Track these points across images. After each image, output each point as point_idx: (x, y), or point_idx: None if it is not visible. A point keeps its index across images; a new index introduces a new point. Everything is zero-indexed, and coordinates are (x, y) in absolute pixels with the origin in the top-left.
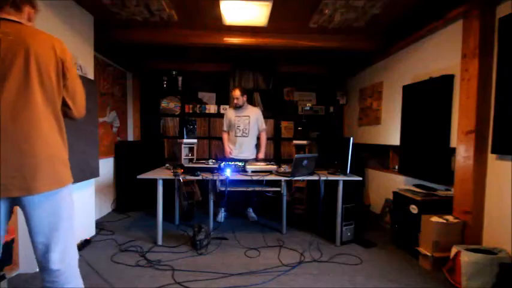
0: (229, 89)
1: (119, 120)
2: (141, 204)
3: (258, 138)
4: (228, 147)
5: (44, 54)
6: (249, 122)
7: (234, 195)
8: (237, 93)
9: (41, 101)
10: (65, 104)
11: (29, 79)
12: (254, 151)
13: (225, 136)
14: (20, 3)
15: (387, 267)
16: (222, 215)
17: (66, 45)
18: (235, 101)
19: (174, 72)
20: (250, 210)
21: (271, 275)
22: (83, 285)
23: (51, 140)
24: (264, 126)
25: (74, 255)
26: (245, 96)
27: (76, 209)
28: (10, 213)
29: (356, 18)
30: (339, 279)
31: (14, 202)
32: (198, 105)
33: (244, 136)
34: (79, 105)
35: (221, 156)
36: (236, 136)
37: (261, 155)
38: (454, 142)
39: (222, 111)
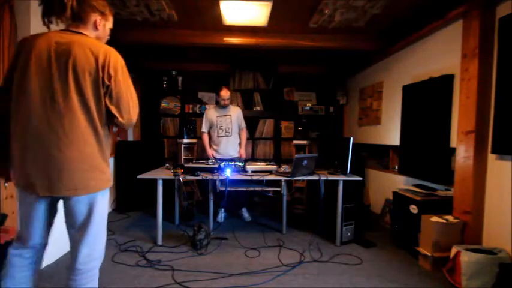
0: (230, 89)
1: None
2: (141, 204)
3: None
4: (209, 149)
5: (83, 61)
6: (230, 121)
7: (233, 195)
8: (228, 93)
9: (77, 107)
10: (109, 111)
11: (67, 86)
12: (237, 150)
13: (205, 137)
14: (82, 13)
15: (387, 267)
16: (222, 215)
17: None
18: (226, 102)
19: (174, 72)
20: (244, 210)
21: (271, 275)
22: (97, 286)
23: (83, 147)
24: (244, 124)
25: (99, 258)
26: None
27: None
28: (53, 209)
29: (356, 18)
30: (339, 279)
31: (54, 199)
32: (198, 105)
33: (227, 135)
34: (125, 112)
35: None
36: (219, 136)
37: (242, 151)
38: (454, 142)
39: None
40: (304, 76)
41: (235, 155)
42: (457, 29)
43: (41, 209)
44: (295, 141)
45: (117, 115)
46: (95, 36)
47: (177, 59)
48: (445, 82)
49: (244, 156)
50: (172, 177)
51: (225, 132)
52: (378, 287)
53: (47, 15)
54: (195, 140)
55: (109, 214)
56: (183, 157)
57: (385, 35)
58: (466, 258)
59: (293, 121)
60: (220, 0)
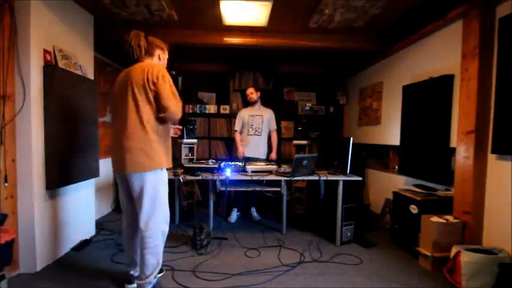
0: (229, 89)
1: None
2: None
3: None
4: (241, 147)
5: (136, 77)
6: (262, 121)
7: (241, 194)
8: (250, 89)
9: (132, 110)
10: (162, 108)
11: (126, 96)
12: (265, 151)
13: (238, 135)
14: (151, 51)
15: (387, 267)
16: (235, 216)
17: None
18: (249, 96)
19: (174, 72)
20: (253, 209)
21: (271, 275)
22: (161, 249)
23: (135, 137)
24: (275, 126)
25: (157, 223)
26: (259, 92)
27: (76, 209)
28: (128, 186)
29: (356, 18)
30: (339, 279)
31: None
32: (198, 105)
33: (257, 135)
34: (172, 109)
35: (227, 157)
36: (249, 135)
37: (274, 155)
38: (454, 142)
39: (222, 111)
40: (304, 76)
41: (262, 156)
42: (457, 29)
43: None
44: (295, 141)
45: (165, 111)
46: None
47: (177, 59)
48: (445, 82)
49: (275, 158)
50: (172, 177)
51: (255, 132)
52: (377, 287)
53: (132, 56)
54: (195, 140)
55: (109, 214)
56: (183, 157)
57: (385, 35)
58: (466, 258)
59: (293, 121)
60: (220, 0)
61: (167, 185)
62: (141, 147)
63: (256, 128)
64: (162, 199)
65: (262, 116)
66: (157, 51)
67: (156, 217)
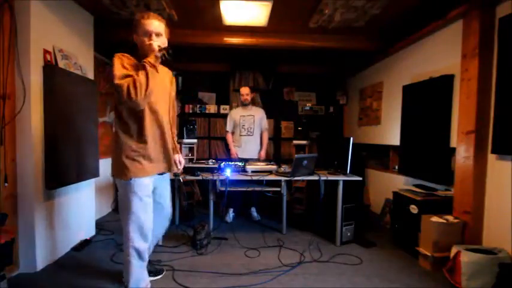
0: (229, 89)
1: None
2: None
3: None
4: (234, 148)
5: None
6: (253, 121)
7: (238, 194)
8: (246, 90)
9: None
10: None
11: None
12: (259, 149)
13: (229, 136)
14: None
15: (387, 267)
16: (230, 216)
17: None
18: (244, 97)
19: (174, 72)
20: (253, 209)
21: (271, 275)
22: (134, 267)
23: (114, 143)
24: (266, 126)
25: (128, 237)
26: (253, 94)
27: (76, 209)
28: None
29: (356, 18)
30: (339, 279)
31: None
32: (198, 105)
33: (249, 135)
34: (122, 94)
35: (226, 157)
36: (241, 135)
37: (263, 153)
38: (454, 142)
39: (222, 111)
40: (304, 76)
41: (254, 156)
42: (457, 29)
43: None
44: (295, 141)
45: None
46: (141, 50)
47: (177, 59)
48: (445, 82)
49: (263, 158)
50: (172, 177)
51: (247, 132)
52: (377, 287)
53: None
54: (195, 140)
55: (109, 214)
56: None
57: (385, 35)
58: (466, 258)
59: (293, 121)
60: (220, 0)
61: (144, 197)
62: (112, 152)
63: (248, 129)
64: (131, 212)
65: (253, 116)
66: (135, 39)
67: (126, 229)
